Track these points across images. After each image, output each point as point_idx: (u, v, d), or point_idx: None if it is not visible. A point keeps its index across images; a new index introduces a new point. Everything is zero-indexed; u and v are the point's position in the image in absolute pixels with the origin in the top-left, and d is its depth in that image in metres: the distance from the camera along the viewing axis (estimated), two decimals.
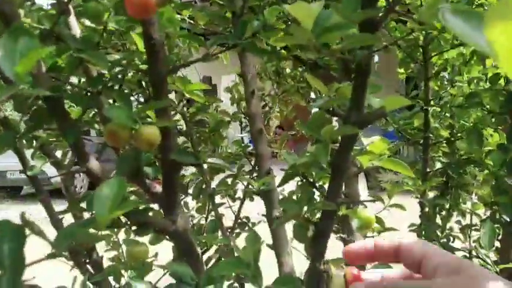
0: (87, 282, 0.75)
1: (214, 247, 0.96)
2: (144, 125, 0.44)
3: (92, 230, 0.36)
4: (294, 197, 0.48)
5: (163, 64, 0.49)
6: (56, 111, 0.47)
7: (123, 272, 0.78)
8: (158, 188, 0.55)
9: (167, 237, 0.88)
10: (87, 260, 0.85)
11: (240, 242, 1.13)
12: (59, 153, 0.92)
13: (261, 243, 0.42)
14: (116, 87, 0.49)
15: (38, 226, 0.34)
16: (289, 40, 0.36)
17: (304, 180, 0.48)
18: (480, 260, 0.86)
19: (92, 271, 0.83)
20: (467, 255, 1.01)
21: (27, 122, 0.72)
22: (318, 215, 0.49)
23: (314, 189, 0.48)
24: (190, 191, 1.14)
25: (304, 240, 0.47)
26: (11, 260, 0.32)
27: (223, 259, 0.48)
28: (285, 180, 0.49)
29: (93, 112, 0.65)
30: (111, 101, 0.57)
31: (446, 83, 1.10)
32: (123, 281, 0.78)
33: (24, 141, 0.83)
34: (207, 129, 1.14)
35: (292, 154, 0.50)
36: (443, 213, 1.10)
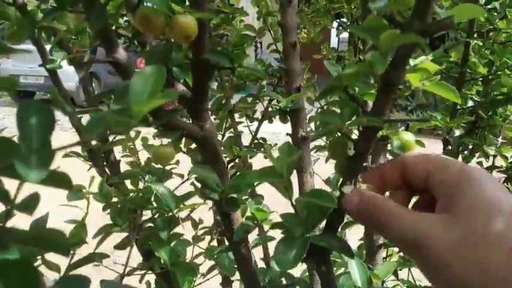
0: (105, 184, 0.75)
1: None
2: (180, 13, 0.40)
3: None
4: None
5: None
6: None
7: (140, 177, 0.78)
8: (186, 91, 0.52)
9: (184, 149, 0.88)
10: (105, 163, 0.85)
11: (256, 161, 1.12)
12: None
13: (297, 154, 0.39)
14: None
15: (68, 106, 0.31)
16: None
17: (346, 94, 0.44)
18: None
19: (110, 173, 0.83)
20: None
21: (44, 11, 0.67)
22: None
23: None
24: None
25: (340, 158, 0.44)
26: (39, 143, 0.30)
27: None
28: (325, 93, 0.45)
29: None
30: None
31: (496, 14, 1.01)
32: (140, 186, 0.78)
33: (43, 34, 0.79)
34: (230, 43, 1.09)
35: (335, 65, 0.45)
36: (466, 152, 1.07)
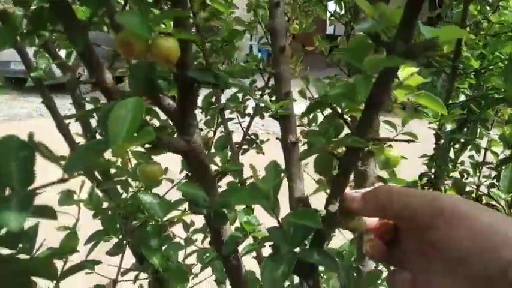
0: (95, 189, 0.75)
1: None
2: (161, 36, 0.39)
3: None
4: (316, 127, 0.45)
5: None
6: (62, 11, 0.41)
7: (130, 181, 0.78)
8: (172, 104, 0.52)
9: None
10: None
11: (247, 158, 1.12)
12: (62, 53, 0.87)
13: (282, 176, 0.39)
14: None
15: (47, 148, 0.31)
16: None
17: (332, 110, 0.44)
18: (488, 198, 0.85)
19: (100, 178, 0.83)
20: (474, 190, 1.01)
21: (28, 16, 0.66)
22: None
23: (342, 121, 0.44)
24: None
25: (326, 174, 0.44)
26: (20, 180, 0.30)
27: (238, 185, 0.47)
28: (310, 110, 0.45)
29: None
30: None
31: (489, 8, 1.00)
32: (131, 189, 0.78)
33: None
34: (220, 39, 1.07)
35: (321, 81, 0.45)
36: (457, 146, 1.07)
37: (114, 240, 0.75)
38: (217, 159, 0.83)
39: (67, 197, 0.76)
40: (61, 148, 0.90)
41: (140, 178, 0.50)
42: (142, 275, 0.83)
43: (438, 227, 0.32)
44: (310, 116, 1.02)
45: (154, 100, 0.51)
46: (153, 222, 0.69)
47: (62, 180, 0.33)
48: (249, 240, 0.63)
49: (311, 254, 0.45)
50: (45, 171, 0.38)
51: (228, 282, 0.81)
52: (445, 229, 0.31)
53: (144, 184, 0.68)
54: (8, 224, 0.27)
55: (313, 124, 1.03)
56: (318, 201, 0.53)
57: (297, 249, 0.45)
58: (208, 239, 1.00)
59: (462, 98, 1.02)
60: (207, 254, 0.75)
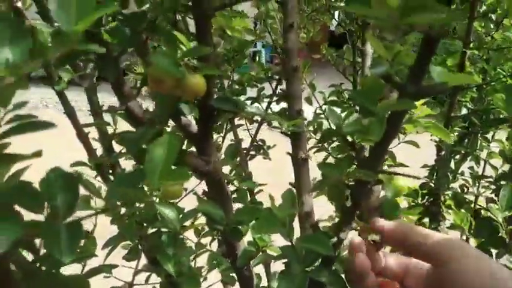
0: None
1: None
2: (189, 73, 0.42)
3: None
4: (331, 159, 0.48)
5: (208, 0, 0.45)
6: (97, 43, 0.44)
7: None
8: (193, 126, 0.55)
9: None
10: (111, 172, 0.88)
11: (255, 163, 1.15)
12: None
13: (297, 207, 0.43)
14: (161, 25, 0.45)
15: (92, 184, 0.34)
16: (364, 10, 0.33)
17: (344, 141, 0.47)
18: (486, 211, 0.89)
19: None
20: (473, 200, 1.04)
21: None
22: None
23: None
24: None
25: (339, 201, 0.48)
26: (65, 212, 0.33)
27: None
28: (323, 139, 0.48)
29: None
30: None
31: (492, 26, 1.03)
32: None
33: None
34: (231, 49, 1.10)
35: (334, 112, 0.48)
36: (458, 157, 1.11)
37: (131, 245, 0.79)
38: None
39: (85, 203, 0.80)
40: (67, 138, 0.92)
41: (162, 197, 0.53)
42: (154, 277, 0.87)
43: (456, 259, 0.36)
44: (315, 126, 1.05)
45: (177, 122, 0.54)
46: (167, 230, 0.73)
47: (104, 211, 0.37)
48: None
49: (322, 273, 0.48)
50: None
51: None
52: (462, 261, 0.35)
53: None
54: (61, 257, 0.31)
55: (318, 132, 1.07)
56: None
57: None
58: (216, 241, 1.04)
59: (464, 111, 1.06)
60: (217, 259, 0.79)
